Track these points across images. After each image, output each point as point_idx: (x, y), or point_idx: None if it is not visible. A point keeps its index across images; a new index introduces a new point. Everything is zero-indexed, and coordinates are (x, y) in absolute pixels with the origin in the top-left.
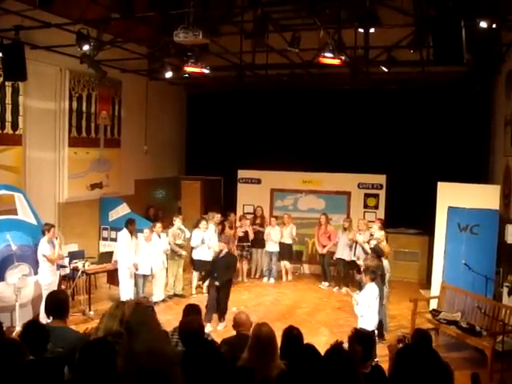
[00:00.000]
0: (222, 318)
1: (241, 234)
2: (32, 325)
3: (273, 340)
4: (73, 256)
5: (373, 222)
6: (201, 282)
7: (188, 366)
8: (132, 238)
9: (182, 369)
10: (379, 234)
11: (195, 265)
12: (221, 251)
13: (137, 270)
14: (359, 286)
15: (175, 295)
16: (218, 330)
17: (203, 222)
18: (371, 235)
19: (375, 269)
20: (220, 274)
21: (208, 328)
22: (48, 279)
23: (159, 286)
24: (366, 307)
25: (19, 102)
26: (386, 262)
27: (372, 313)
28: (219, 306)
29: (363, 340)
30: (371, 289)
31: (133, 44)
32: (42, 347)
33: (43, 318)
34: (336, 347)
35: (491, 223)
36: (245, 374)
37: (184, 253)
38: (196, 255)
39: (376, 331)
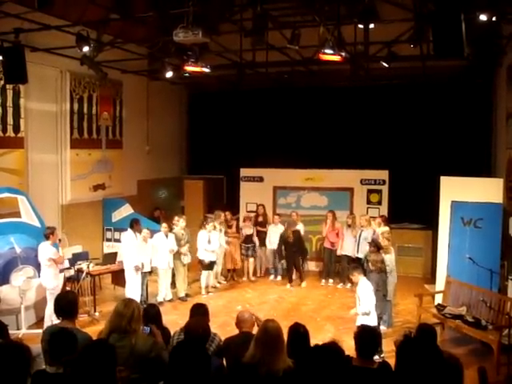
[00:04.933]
0: (302, 279)
1: (248, 232)
2: (62, 332)
3: (280, 334)
4: (77, 257)
5: (375, 217)
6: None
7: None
8: (137, 238)
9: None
10: (384, 229)
11: (203, 265)
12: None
13: (143, 268)
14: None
15: (179, 298)
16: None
17: (210, 224)
18: (375, 232)
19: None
20: (296, 249)
21: (288, 287)
22: (53, 283)
23: (164, 285)
24: (368, 302)
25: (20, 104)
26: (388, 257)
27: (372, 307)
28: (297, 269)
29: (367, 336)
30: (364, 283)
31: (133, 44)
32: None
33: (48, 322)
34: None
35: (495, 216)
36: (248, 370)
37: (187, 258)
38: (202, 256)
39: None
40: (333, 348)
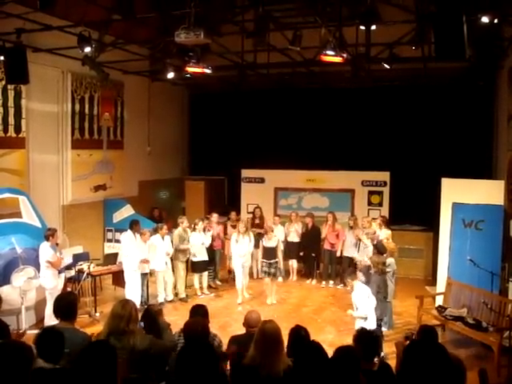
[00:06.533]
0: (312, 277)
1: (270, 245)
2: (48, 331)
3: (278, 335)
4: (78, 258)
5: (375, 219)
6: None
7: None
8: (136, 239)
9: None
10: (385, 232)
11: (194, 267)
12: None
13: (144, 269)
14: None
15: (180, 299)
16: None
17: (200, 224)
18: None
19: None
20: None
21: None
22: (52, 283)
23: (164, 286)
24: (365, 307)
25: (22, 105)
26: (390, 260)
27: (369, 311)
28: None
29: (367, 339)
30: (359, 288)
31: (134, 45)
32: (58, 354)
33: (48, 322)
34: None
35: (496, 218)
36: (249, 372)
37: (191, 251)
38: (195, 257)
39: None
40: (351, 353)
